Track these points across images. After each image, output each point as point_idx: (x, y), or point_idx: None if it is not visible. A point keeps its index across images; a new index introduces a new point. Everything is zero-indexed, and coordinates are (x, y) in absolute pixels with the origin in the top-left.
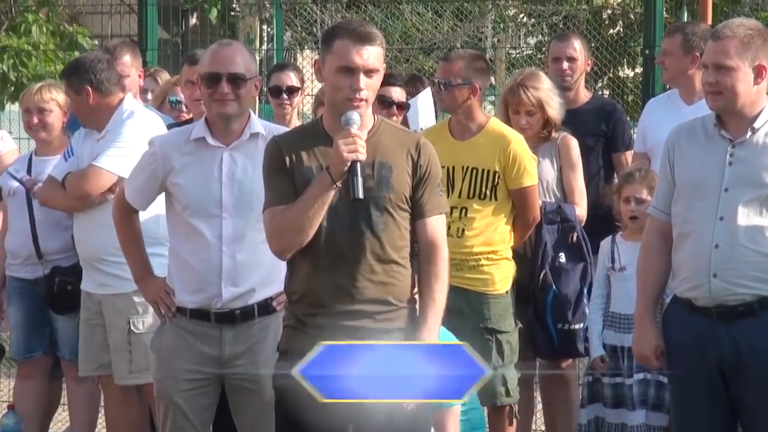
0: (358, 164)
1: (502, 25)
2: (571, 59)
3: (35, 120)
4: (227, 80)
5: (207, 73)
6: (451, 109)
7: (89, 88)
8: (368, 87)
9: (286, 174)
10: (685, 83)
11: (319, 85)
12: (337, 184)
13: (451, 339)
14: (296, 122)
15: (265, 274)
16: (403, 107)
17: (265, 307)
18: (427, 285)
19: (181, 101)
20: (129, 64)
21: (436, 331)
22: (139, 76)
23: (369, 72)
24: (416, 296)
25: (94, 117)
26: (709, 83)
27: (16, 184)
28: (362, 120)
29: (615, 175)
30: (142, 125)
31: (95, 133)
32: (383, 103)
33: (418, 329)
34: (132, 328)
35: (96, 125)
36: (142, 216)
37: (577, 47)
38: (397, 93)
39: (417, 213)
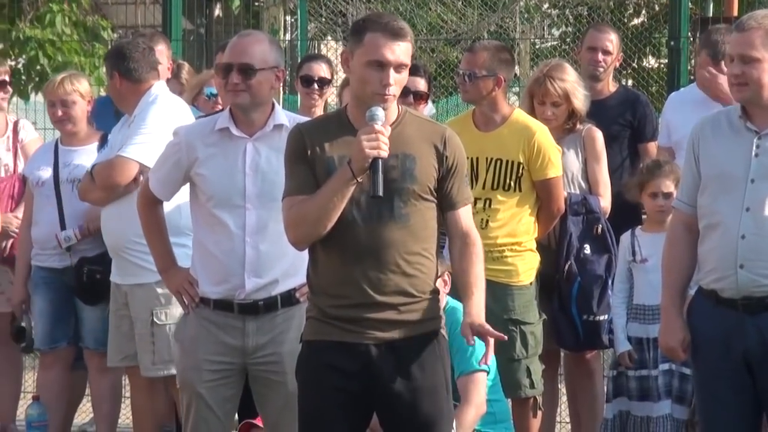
0: (380, 161)
1: (526, 16)
2: (607, 52)
3: (60, 113)
4: (237, 70)
5: (221, 63)
6: (476, 101)
7: (117, 73)
8: (397, 82)
9: (306, 163)
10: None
11: (343, 76)
12: (358, 179)
13: None
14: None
15: (288, 265)
16: (423, 98)
17: (289, 299)
18: (468, 266)
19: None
20: (163, 53)
21: (481, 306)
22: (169, 68)
23: (399, 67)
24: (438, 286)
25: (124, 102)
26: (734, 75)
27: (46, 175)
28: (387, 113)
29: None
30: (167, 111)
31: (129, 120)
32: (403, 93)
33: (465, 302)
34: (155, 319)
35: (126, 110)
36: (165, 207)
37: (614, 40)
38: (418, 83)
39: (448, 205)
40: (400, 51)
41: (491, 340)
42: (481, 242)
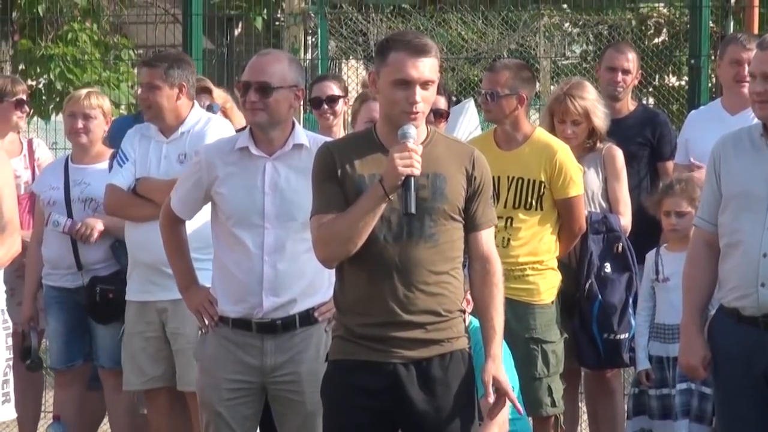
0: (412, 179)
1: (546, 34)
2: (626, 71)
3: (80, 125)
4: (255, 89)
5: (241, 82)
6: (499, 120)
7: (185, 86)
8: (424, 99)
9: (336, 181)
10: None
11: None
12: (390, 197)
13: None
14: (343, 133)
15: (307, 285)
16: (444, 116)
17: (307, 318)
18: (488, 295)
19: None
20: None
21: (501, 343)
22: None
23: (425, 84)
24: (464, 306)
25: (171, 115)
26: (757, 92)
27: (57, 194)
28: (416, 131)
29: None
30: (224, 128)
31: (156, 135)
32: None
33: (487, 344)
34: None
35: (166, 123)
36: (201, 222)
37: (633, 59)
38: (438, 101)
39: (471, 226)
40: (425, 67)
41: (506, 401)
42: (501, 267)
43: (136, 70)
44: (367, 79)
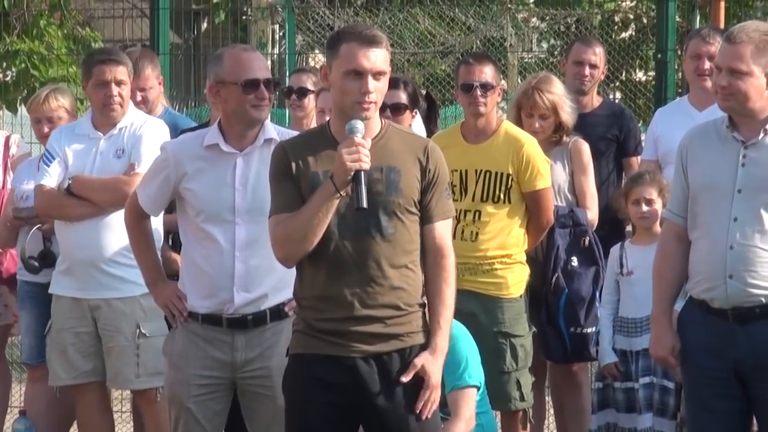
0: (362, 173)
1: (514, 30)
2: (593, 66)
3: (46, 130)
4: (266, 85)
5: (248, 79)
6: (489, 113)
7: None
8: (377, 90)
9: (291, 180)
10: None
11: None
12: (341, 193)
13: (466, 335)
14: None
15: (278, 280)
16: (402, 110)
17: (278, 313)
18: (437, 289)
19: None
20: (150, 75)
21: (447, 337)
22: (160, 83)
23: (377, 75)
24: (425, 300)
25: (125, 110)
26: (721, 86)
27: (29, 188)
28: (369, 125)
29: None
30: (161, 128)
31: (91, 132)
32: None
33: (432, 336)
34: (142, 331)
35: (113, 118)
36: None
37: (600, 54)
38: (396, 96)
39: (425, 218)
40: (376, 58)
41: (425, 395)
42: (454, 261)
43: (128, 66)
44: (320, 73)
